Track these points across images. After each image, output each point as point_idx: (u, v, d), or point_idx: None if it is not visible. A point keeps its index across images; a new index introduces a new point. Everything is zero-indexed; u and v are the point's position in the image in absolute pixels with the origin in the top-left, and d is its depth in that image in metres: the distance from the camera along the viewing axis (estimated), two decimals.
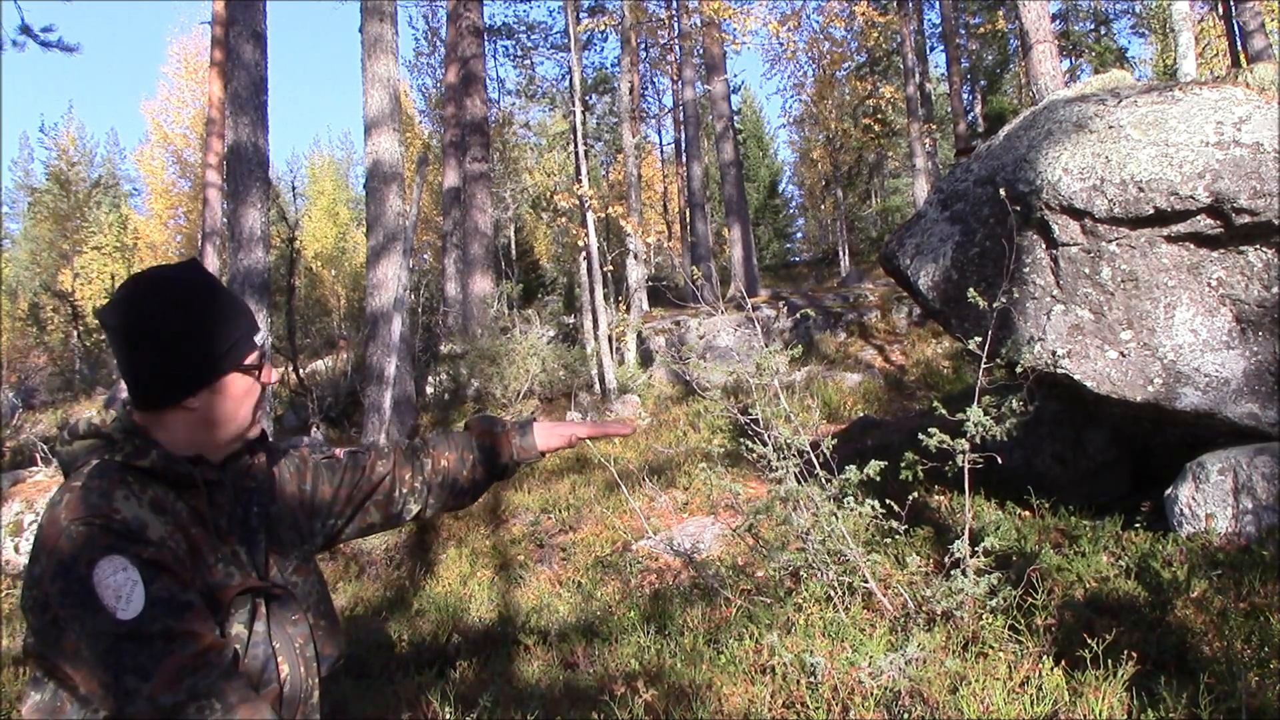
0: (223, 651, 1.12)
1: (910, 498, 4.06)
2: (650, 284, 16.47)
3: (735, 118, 22.28)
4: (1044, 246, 4.69)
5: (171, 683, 1.05)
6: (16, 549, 7.64)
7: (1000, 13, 20.89)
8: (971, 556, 3.78)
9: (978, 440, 3.87)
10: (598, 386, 11.22)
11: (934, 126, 23.21)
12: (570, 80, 13.92)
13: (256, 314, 9.02)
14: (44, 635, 1.11)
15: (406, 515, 1.63)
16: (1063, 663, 3.18)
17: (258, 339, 1.33)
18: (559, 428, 1.70)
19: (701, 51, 18.58)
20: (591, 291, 11.66)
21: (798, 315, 13.33)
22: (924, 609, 3.84)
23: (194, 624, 1.11)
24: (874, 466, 4.05)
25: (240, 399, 1.31)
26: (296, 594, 1.33)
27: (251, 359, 1.31)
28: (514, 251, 26.07)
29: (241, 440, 1.35)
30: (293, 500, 1.46)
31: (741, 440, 4.57)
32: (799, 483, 4.26)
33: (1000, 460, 4.05)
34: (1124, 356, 4.50)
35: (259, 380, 1.33)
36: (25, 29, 7.65)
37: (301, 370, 14.70)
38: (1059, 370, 4.60)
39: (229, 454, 1.35)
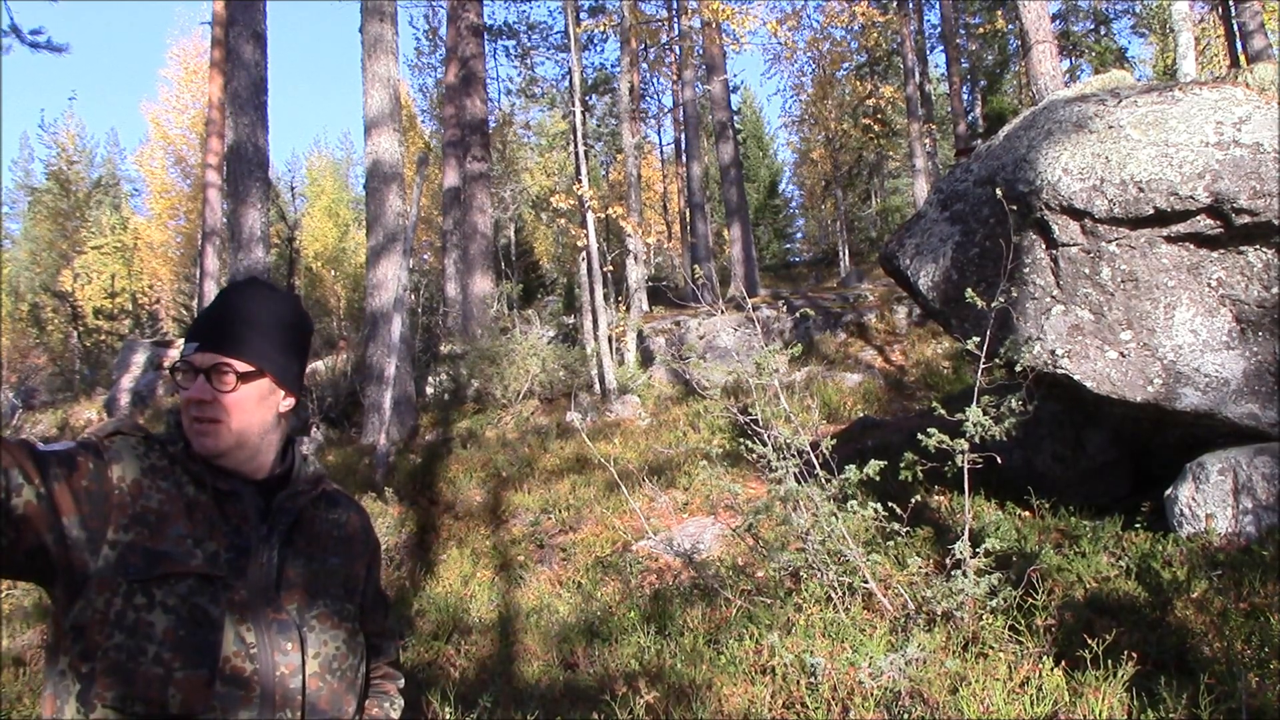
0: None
1: (913, 500, 4.06)
2: (650, 284, 16.47)
3: (735, 118, 22.27)
4: (1044, 246, 4.68)
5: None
6: None
7: (1000, 13, 20.86)
8: (972, 557, 3.79)
9: (977, 440, 3.87)
10: (598, 386, 11.22)
11: (934, 126, 23.21)
12: (570, 80, 13.92)
13: None
14: None
15: None
16: (1063, 663, 3.18)
17: (187, 348, 1.32)
18: None
19: (701, 52, 18.58)
20: (591, 292, 11.66)
21: (797, 315, 13.33)
22: (924, 609, 3.85)
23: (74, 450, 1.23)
24: (874, 467, 4.05)
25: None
26: (306, 634, 1.32)
27: (177, 363, 1.33)
28: (514, 251, 26.07)
29: (209, 451, 1.33)
30: (355, 573, 1.47)
31: (741, 440, 4.58)
32: (799, 483, 4.26)
33: (1000, 460, 4.06)
34: (1124, 357, 4.50)
35: (179, 386, 1.32)
36: (13, 29, 7.58)
37: None
38: (1058, 370, 4.60)
39: (269, 475, 1.41)
